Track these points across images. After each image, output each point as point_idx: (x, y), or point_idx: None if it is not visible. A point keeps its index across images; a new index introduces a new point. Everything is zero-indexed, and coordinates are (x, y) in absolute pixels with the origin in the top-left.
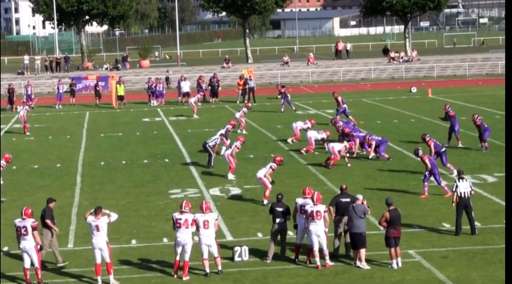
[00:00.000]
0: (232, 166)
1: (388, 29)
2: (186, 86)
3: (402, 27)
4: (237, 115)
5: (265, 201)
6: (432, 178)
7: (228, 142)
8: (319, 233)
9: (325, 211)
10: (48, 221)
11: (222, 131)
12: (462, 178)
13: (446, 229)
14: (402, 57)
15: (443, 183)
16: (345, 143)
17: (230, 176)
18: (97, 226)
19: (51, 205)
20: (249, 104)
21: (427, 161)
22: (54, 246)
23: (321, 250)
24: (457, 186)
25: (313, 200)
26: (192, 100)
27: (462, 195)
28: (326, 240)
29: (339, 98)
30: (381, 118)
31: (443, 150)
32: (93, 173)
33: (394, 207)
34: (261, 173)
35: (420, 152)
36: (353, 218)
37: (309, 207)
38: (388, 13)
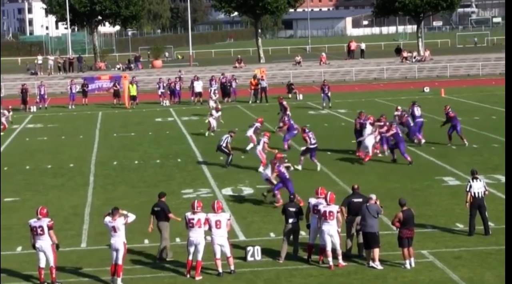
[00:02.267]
0: (263, 161)
1: (400, 28)
2: (198, 86)
3: (415, 26)
4: (249, 133)
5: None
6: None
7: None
8: (332, 233)
9: (338, 212)
10: (171, 215)
11: (251, 131)
12: (476, 178)
13: (459, 229)
14: (415, 57)
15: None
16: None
17: (261, 168)
18: (113, 227)
19: (163, 199)
20: (262, 119)
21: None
22: (167, 240)
23: (334, 250)
24: (471, 186)
25: (326, 200)
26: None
27: (476, 195)
28: (339, 240)
29: (284, 103)
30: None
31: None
32: (106, 173)
33: (407, 207)
34: (268, 173)
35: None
36: (366, 218)
37: (322, 207)
38: (400, 12)
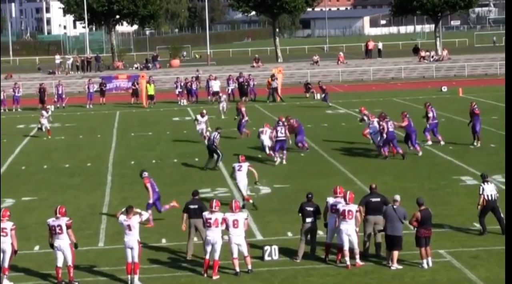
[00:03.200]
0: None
1: (418, 28)
2: (215, 86)
3: (432, 26)
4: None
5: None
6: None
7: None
8: (350, 232)
9: (356, 211)
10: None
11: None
12: (487, 181)
13: (476, 229)
14: (432, 56)
15: None
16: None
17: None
18: (128, 226)
19: (197, 197)
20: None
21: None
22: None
23: (351, 250)
24: (483, 189)
25: (345, 199)
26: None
27: (489, 197)
28: (357, 239)
29: (243, 109)
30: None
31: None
32: (123, 172)
33: (425, 207)
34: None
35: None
36: (394, 221)
37: (341, 206)
38: (418, 12)
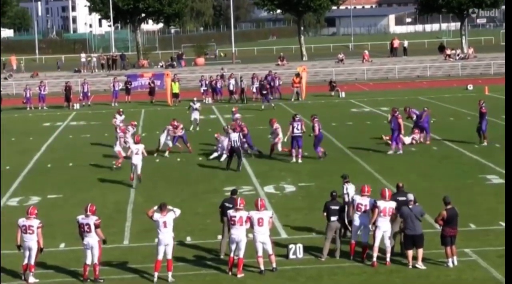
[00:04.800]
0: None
1: (444, 26)
2: (231, 85)
3: (458, 24)
4: (162, 138)
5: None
6: None
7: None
8: (386, 229)
9: (394, 209)
10: None
11: (164, 135)
12: None
13: (502, 228)
14: (458, 55)
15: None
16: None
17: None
18: (164, 222)
19: (235, 196)
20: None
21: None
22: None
23: (381, 248)
24: None
25: (384, 197)
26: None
27: None
28: (390, 236)
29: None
30: (437, 116)
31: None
32: (149, 171)
33: (452, 206)
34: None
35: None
36: (413, 220)
37: (381, 203)
38: (444, 10)
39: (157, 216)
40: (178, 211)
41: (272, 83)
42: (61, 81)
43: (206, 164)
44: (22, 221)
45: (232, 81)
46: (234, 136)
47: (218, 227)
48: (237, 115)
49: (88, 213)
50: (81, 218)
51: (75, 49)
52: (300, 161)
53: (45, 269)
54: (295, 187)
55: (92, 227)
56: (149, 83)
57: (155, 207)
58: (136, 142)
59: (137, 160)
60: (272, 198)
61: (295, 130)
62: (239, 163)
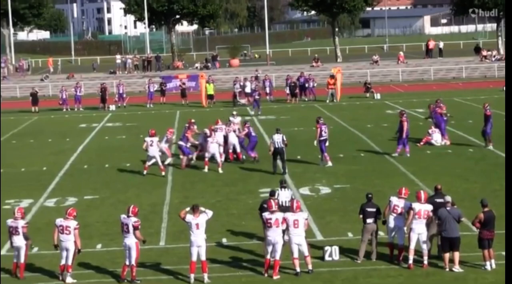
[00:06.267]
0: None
1: (480, 27)
2: (247, 87)
3: (494, 25)
4: (163, 145)
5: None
6: None
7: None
8: (421, 231)
9: (429, 211)
10: None
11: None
12: None
13: None
14: (494, 56)
15: None
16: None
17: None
18: (197, 224)
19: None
20: (172, 130)
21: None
22: None
23: (417, 250)
24: None
25: (420, 199)
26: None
27: None
28: (426, 239)
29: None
30: (473, 117)
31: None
32: (184, 171)
33: (489, 209)
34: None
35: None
36: (450, 222)
37: (417, 206)
38: (480, 10)
39: (189, 217)
40: (210, 213)
41: (306, 85)
42: (97, 83)
43: (242, 165)
44: (59, 221)
45: (247, 83)
46: (278, 137)
47: (253, 229)
48: (237, 119)
49: (130, 214)
50: (122, 217)
51: (110, 51)
52: (330, 163)
53: (82, 269)
54: (330, 189)
55: (131, 228)
56: (180, 85)
57: (188, 209)
58: (151, 135)
59: (154, 151)
60: (308, 199)
61: (323, 134)
62: (283, 166)
